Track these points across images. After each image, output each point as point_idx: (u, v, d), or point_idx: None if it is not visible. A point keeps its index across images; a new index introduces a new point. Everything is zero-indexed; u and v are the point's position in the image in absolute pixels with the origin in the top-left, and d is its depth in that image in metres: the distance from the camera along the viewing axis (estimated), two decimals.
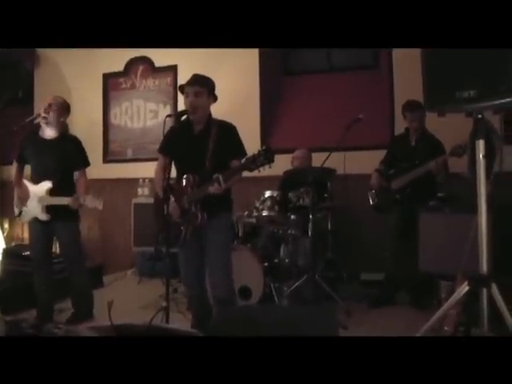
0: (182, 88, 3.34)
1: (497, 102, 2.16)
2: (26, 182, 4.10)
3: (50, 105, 4.02)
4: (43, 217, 3.96)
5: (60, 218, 3.96)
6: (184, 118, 3.36)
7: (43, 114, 3.98)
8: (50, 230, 4.04)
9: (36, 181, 4.03)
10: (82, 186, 4.06)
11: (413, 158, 4.48)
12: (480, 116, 2.37)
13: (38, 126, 4.09)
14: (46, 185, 3.95)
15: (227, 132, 3.36)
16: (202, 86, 3.29)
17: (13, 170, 4.25)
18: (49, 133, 4.06)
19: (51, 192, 3.93)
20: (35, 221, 4.03)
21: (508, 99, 2.09)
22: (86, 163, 4.21)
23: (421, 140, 4.57)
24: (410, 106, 4.49)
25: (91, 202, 3.85)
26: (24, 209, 4.07)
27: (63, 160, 4.01)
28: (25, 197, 4.04)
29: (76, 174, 4.13)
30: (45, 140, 4.07)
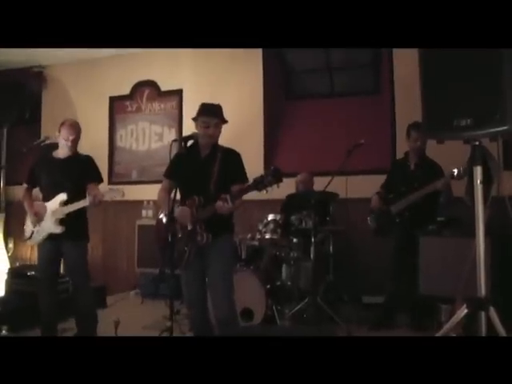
0: (197, 117, 3.41)
1: (493, 130, 2.23)
2: (39, 203, 4.13)
3: (77, 131, 4.11)
4: (57, 229, 3.94)
5: (70, 237, 4.00)
6: (191, 142, 3.43)
7: (73, 137, 4.06)
8: (58, 251, 4.06)
9: (49, 198, 4.05)
10: (95, 189, 4.03)
11: (412, 181, 4.53)
12: (477, 143, 2.45)
13: (51, 148, 4.15)
14: (60, 197, 3.96)
15: (232, 159, 3.43)
16: (220, 118, 3.39)
17: (22, 192, 4.29)
18: (63, 153, 4.13)
19: (66, 203, 3.95)
20: (45, 242, 4.05)
21: (503, 127, 2.16)
22: (100, 179, 4.24)
23: (420, 164, 4.63)
24: (417, 125, 4.49)
25: (110, 194, 3.84)
26: (36, 229, 4.10)
27: (78, 176, 4.04)
28: (39, 216, 4.07)
29: (88, 186, 4.07)
30: (59, 159, 4.13)
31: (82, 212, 4.04)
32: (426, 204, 4.40)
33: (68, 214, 3.95)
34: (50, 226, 4.00)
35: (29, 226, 4.16)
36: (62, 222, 3.97)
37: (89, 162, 4.23)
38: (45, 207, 4.06)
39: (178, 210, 3.30)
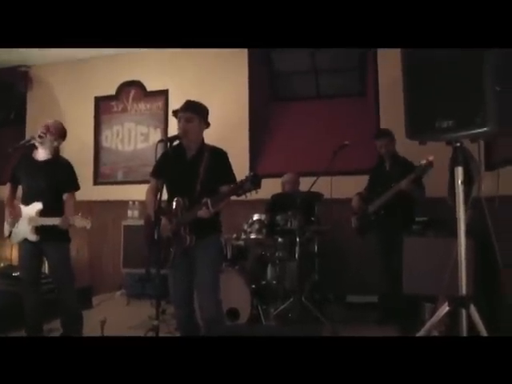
0: (176, 113, 3.44)
1: (473, 132, 2.28)
2: (18, 204, 4.14)
3: (47, 127, 4.08)
4: (32, 237, 3.97)
5: (50, 238, 3.98)
6: (177, 142, 3.44)
7: (40, 134, 4.05)
8: (39, 250, 4.05)
9: (27, 202, 4.04)
10: (70, 207, 4.07)
11: (388, 181, 4.69)
12: (458, 144, 2.50)
13: (33, 148, 4.15)
14: (37, 206, 3.97)
15: (219, 158, 3.45)
16: (194, 113, 3.38)
17: (5, 191, 4.28)
18: (42, 155, 4.11)
19: (41, 213, 3.95)
20: (25, 241, 4.05)
21: (483, 129, 2.21)
22: (76, 187, 4.24)
23: (394, 164, 4.85)
24: (378, 134, 4.94)
25: (80, 222, 3.88)
26: (14, 230, 4.09)
27: (54, 182, 4.04)
28: (16, 218, 4.07)
29: (65, 196, 4.15)
30: (38, 162, 4.12)
31: (61, 214, 4.02)
32: (400, 202, 4.57)
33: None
34: (26, 232, 3.99)
35: (6, 226, 4.16)
36: (37, 230, 3.98)
37: (67, 169, 4.20)
38: (19, 211, 4.07)
39: (161, 227, 3.31)
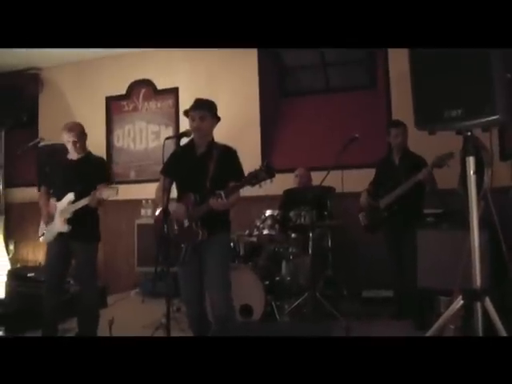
0: (187, 112, 3.43)
1: (483, 120, 2.23)
2: (53, 202, 4.16)
3: (75, 135, 4.12)
4: (64, 228, 3.97)
5: (78, 237, 4.02)
6: (186, 140, 3.44)
7: (74, 140, 4.09)
8: (67, 250, 4.06)
9: (60, 199, 4.08)
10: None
11: (397, 176, 4.63)
12: (469, 133, 2.44)
13: (66, 151, 4.19)
14: (69, 197, 3.99)
15: (228, 156, 3.44)
16: (207, 110, 3.39)
17: (39, 194, 4.34)
18: (73, 154, 4.17)
19: (73, 203, 3.98)
20: (55, 242, 4.07)
21: (493, 117, 2.16)
22: (110, 181, 4.29)
23: (403, 158, 4.77)
24: (395, 123, 4.87)
25: (107, 193, 3.83)
26: (48, 228, 4.11)
27: (88, 177, 4.06)
28: (52, 215, 4.10)
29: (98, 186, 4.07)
30: (71, 161, 4.19)
31: (90, 212, 4.03)
32: (412, 197, 4.50)
33: (77, 215, 3.96)
34: (58, 225, 4.03)
35: (42, 225, 4.19)
36: (69, 221, 3.99)
37: (100, 165, 4.29)
38: (56, 207, 4.10)
39: (173, 207, 3.31)
